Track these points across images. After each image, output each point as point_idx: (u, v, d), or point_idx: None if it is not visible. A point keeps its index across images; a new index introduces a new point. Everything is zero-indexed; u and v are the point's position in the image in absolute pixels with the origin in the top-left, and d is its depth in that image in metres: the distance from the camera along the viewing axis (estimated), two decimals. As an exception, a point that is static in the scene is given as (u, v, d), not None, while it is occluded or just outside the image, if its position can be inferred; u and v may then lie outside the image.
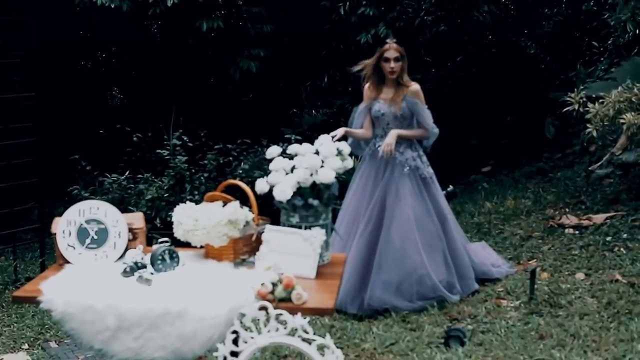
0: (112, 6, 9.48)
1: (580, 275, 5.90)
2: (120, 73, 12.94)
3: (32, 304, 3.95)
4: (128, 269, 3.54)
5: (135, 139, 9.22)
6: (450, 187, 6.68)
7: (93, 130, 11.84)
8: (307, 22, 11.23)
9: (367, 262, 5.80)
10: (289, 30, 11.35)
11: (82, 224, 3.77)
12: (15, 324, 6.14)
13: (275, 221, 3.84)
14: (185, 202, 3.90)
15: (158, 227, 7.92)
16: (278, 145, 4.13)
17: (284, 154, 3.99)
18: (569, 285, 5.70)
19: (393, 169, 5.91)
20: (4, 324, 6.18)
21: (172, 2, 9.46)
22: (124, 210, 3.99)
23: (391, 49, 5.83)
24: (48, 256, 7.44)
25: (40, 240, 7.63)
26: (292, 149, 4.00)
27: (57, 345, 5.62)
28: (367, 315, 5.63)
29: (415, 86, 5.89)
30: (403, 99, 5.84)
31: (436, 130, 5.96)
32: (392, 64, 5.81)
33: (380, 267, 5.75)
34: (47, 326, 5.98)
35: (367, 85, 6.02)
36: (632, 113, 6.04)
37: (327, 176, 3.81)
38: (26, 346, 5.64)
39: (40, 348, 5.59)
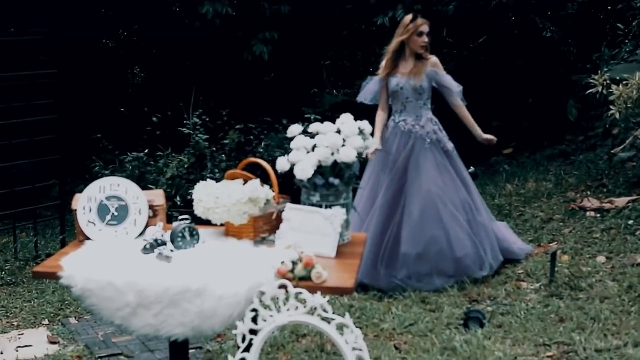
0: None
1: (601, 259, 5.85)
2: (142, 52, 12.94)
3: (52, 279, 3.96)
4: (148, 246, 3.55)
5: (154, 119, 9.24)
6: (472, 169, 6.63)
7: (114, 108, 11.90)
8: (329, 1, 11.19)
9: (385, 235, 5.82)
10: (311, 10, 11.29)
11: (102, 201, 3.77)
12: (35, 300, 6.18)
13: (296, 200, 3.84)
14: (205, 180, 3.90)
15: (178, 205, 7.96)
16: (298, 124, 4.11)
17: (305, 132, 3.97)
18: (589, 269, 5.66)
19: (414, 143, 5.92)
20: (24, 299, 6.23)
21: None
22: (143, 188, 3.99)
23: (424, 23, 5.95)
24: (68, 233, 7.49)
25: (61, 217, 7.67)
26: (314, 127, 3.98)
27: (76, 321, 5.65)
28: (385, 287, 5.65)
29: (434, 58, 6.02)
30: (424, 71, 5.92)
31: (460, 87, 6.07)
32: (425, 38, 5.93)
33: (398, 240, 5.76)
34: (67, 302, 6.02)
35: (386, 58, 6.05)
36: (656, 95, 5.97)
37: (348, 155, 3.79)
38: (46, 322, 5.68)
39: (60, 324, 5.62)
